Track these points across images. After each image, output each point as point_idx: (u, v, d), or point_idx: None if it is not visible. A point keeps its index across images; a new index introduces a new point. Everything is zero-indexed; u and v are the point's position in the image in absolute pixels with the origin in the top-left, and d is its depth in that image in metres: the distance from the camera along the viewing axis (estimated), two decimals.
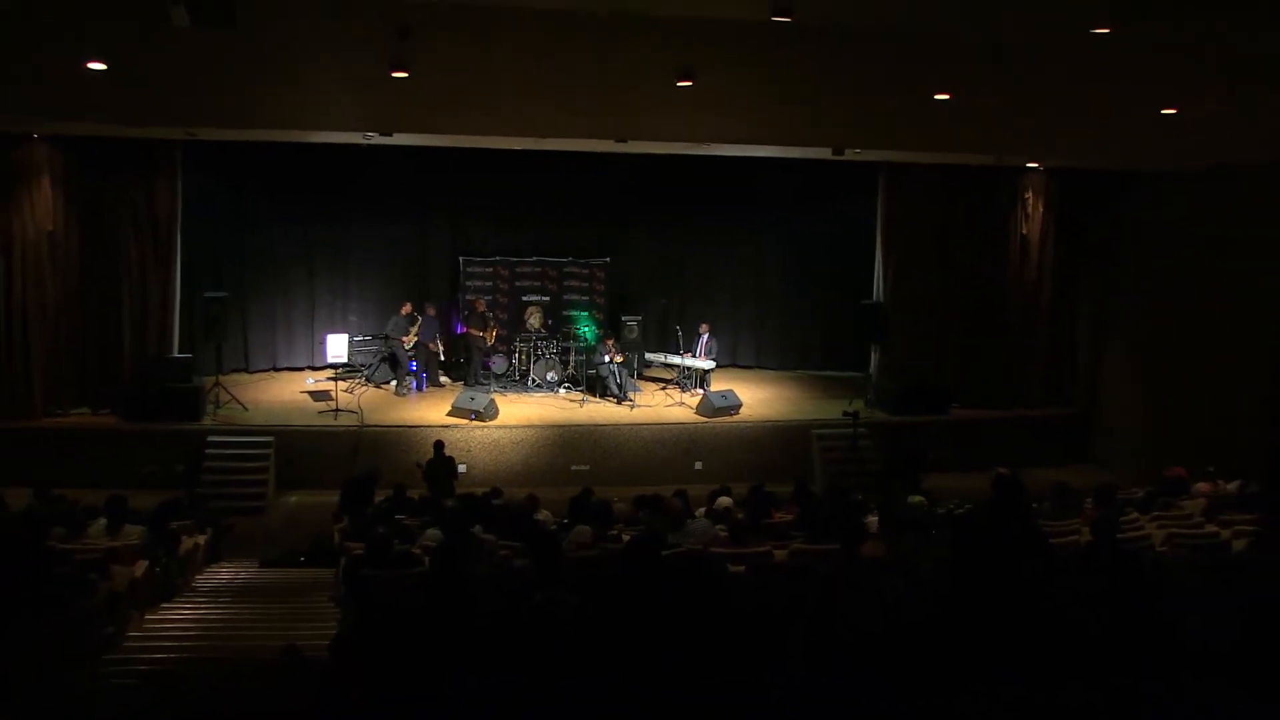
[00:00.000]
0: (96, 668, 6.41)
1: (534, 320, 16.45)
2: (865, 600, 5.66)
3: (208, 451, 13.87)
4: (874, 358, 16.78)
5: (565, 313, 17.08)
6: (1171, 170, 14.98)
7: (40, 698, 5.28)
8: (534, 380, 16.10)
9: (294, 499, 14.04)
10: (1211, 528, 8.86)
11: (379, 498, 10.85)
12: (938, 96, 11.43)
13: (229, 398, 14.85)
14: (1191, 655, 4.18)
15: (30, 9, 8.56)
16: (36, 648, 5.47)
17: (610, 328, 16.68)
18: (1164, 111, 11.36)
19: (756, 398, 16.32)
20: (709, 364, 16.09)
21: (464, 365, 16.42)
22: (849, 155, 14.13)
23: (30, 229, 14.21)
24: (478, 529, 8.72)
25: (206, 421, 14.41)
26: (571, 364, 16.36)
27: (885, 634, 4.39)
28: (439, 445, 12.67)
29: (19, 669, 5.14)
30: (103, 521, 8.87)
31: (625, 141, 13.33)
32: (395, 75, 10.17)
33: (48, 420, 14.41)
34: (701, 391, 15.76)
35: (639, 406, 15.54)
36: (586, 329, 16.69)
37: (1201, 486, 10.39)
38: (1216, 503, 9.56)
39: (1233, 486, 10.19)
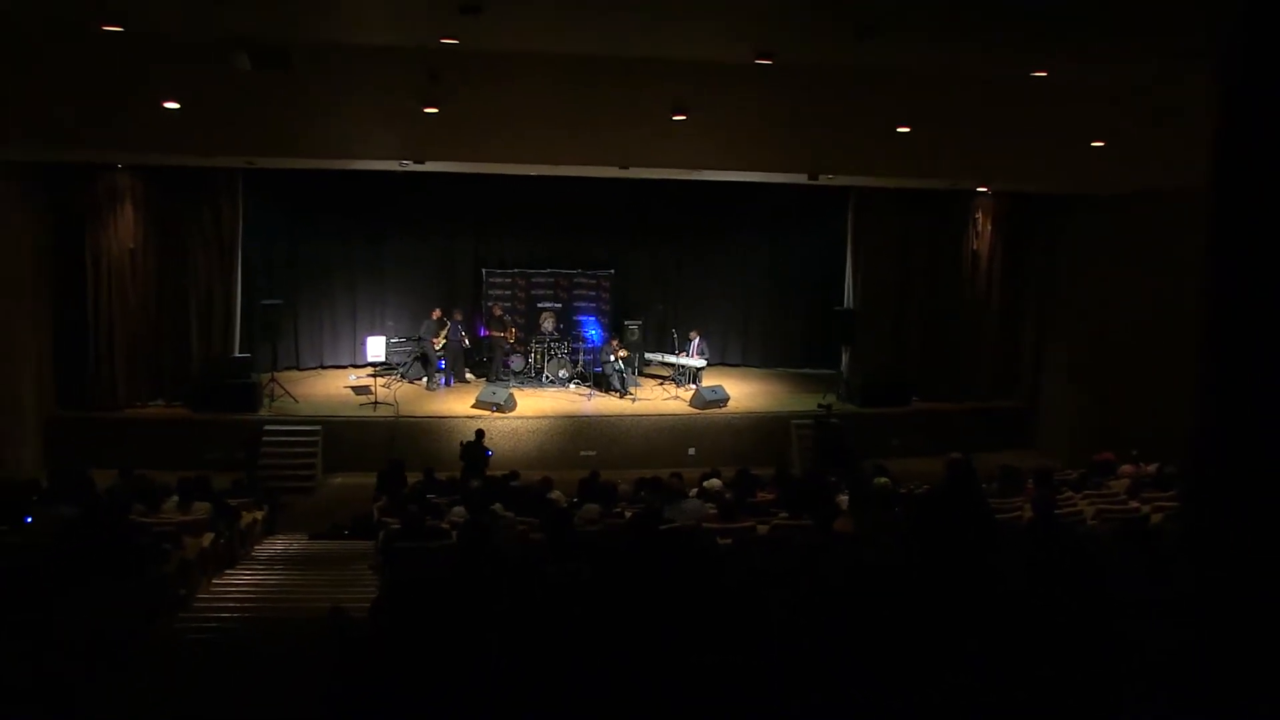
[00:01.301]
0: (171, 624, 6.46)
1: (547, 324, 16.47)
2: (836, 566, 5.70)
3: (264, 438, 13.94)
4: (845, 357, 16.78)
5: (575, 318, 17.09)
6: (1099, 194, 15.03)
7: (126, 648, 5.33)
8: (547, 377, 16.12)
9: (339, 480, 14.07)
10: (1134, 504, 8.87)
11: (411, 479, 10.89)
12: (900, 129, 11.46)
13: (283, 392, 14.89)
14: (1116, 608, 4.23)
15: (116, 56, 8.62)
16: (121, 606, 5.52)
17: (614, 331, 16.70)
18: (1093, 144, 11.39)
19: (743, 392, 16.34)
20: (701, 362, 16.10)
21: (487, 364, 16.44)
22: (823, 180, 14.12)
23: (115, 247, 14.34)
24: (498, 507, 8.73)
25: (263, 412, 14.45)
26: (580, 363, 16.37)
27: (853, 594, 4.42)
28: (480, 434, 12.69)
29: (108, 624, 5.19)
30: (175, 498, 8.92)
31: (627, 167, 13.35)
32: (427, 111, 10.21)
33: (129, 411, 14.50)
34: (694, 387, 15.77)
35: (639, 400, 15.55)
36: (593, 332, 16.72)
37: (1126, 468, 10.41)
38: (1138, 483, 9.57)
39: (1152, 468, 10.20)
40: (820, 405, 15.16)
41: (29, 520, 7.27)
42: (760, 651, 3.76)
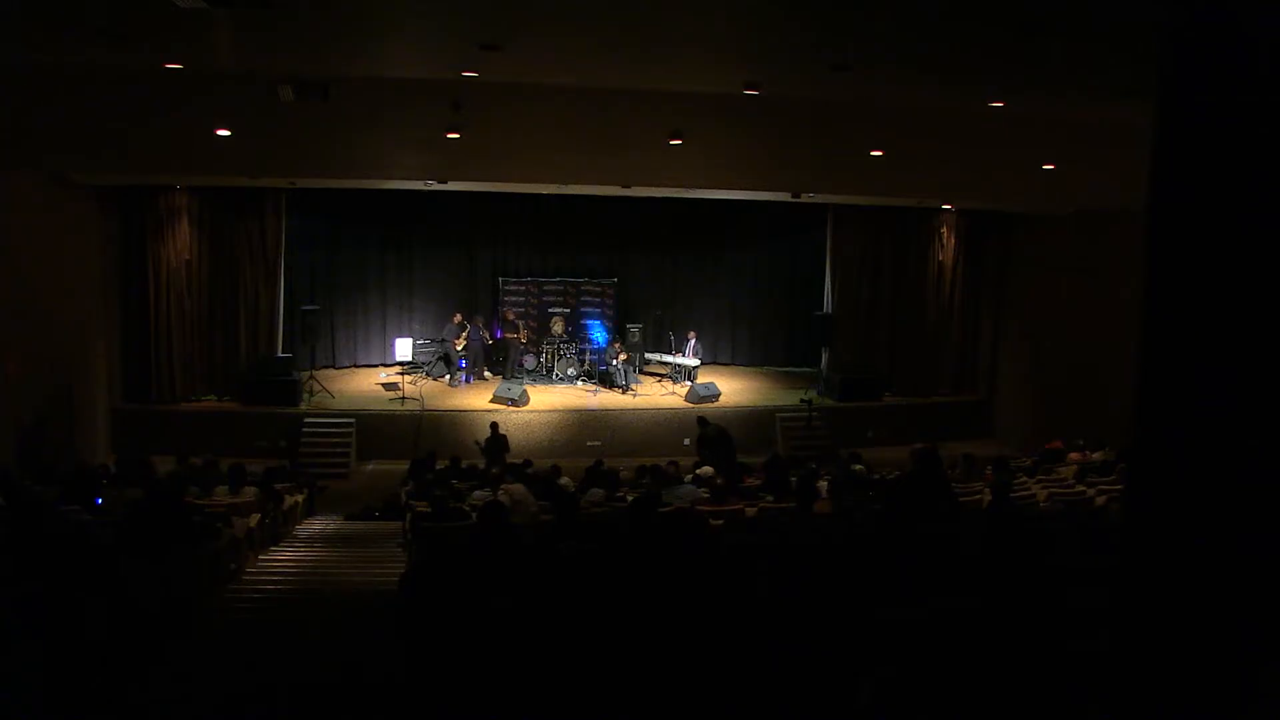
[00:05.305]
0: (223, 594, 6.49)
1: (557, 328, 16.46)
2: (816, 543, 5.71)
3: (304, 429, 13.95)
4: (824, 356, 16.79)
5: (582, 321, 17.10)
6: (1047, 212, 15.08)
7: (187, 614, 5.36)
8: (557, 375, 16.11)
9: (370, 467, 14.08)
10: (1080, 488, 8.88)
11: (440, 467, 10.89)
12: (873, 153, 11.45)
13: (320, 388, 14.91)
14: (1063, 575, 4.25)
15: (176, 92, 8.67)
16: (180, 578, 5.54)
17: (617, 333, 16.70)
18: (1044, 167, 11.39)
19: (732, 388, 16.35)
20: (695, 362, 16.10)
21: (503, 363, 16.44)
22: (805, 198, 14.14)
23: (173, 258, 14.42)
24: (520, 487, 8.70)
25: (303, 406, 14.47)
26: (586, 362, 16.38)
27: (829, 566, 4.43)
28: (495, 425, 12.69)
29: (170, 592, 5.22)
30: (226, 487, 8.92)
31: (629, 187, 13.36)
32: (449, 136, 10.20)
33: (185, 405, 14.54)
34: (689, 383, 15.78)
35: (640, 395, 15.55)
36: (598, 334, 16.72)
37: (1073, 456, 10.43)
38: (1085, 468, 9.59)
39: (1097, 456, 10.23)
40: (802, 400, 15.17)
41: (99, 501, 7.31)
42: (747, 614, 3.78)
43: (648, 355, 16.95)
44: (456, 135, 10.17)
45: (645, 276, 17.97)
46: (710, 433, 12.18)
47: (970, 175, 12.35)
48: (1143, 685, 1.84)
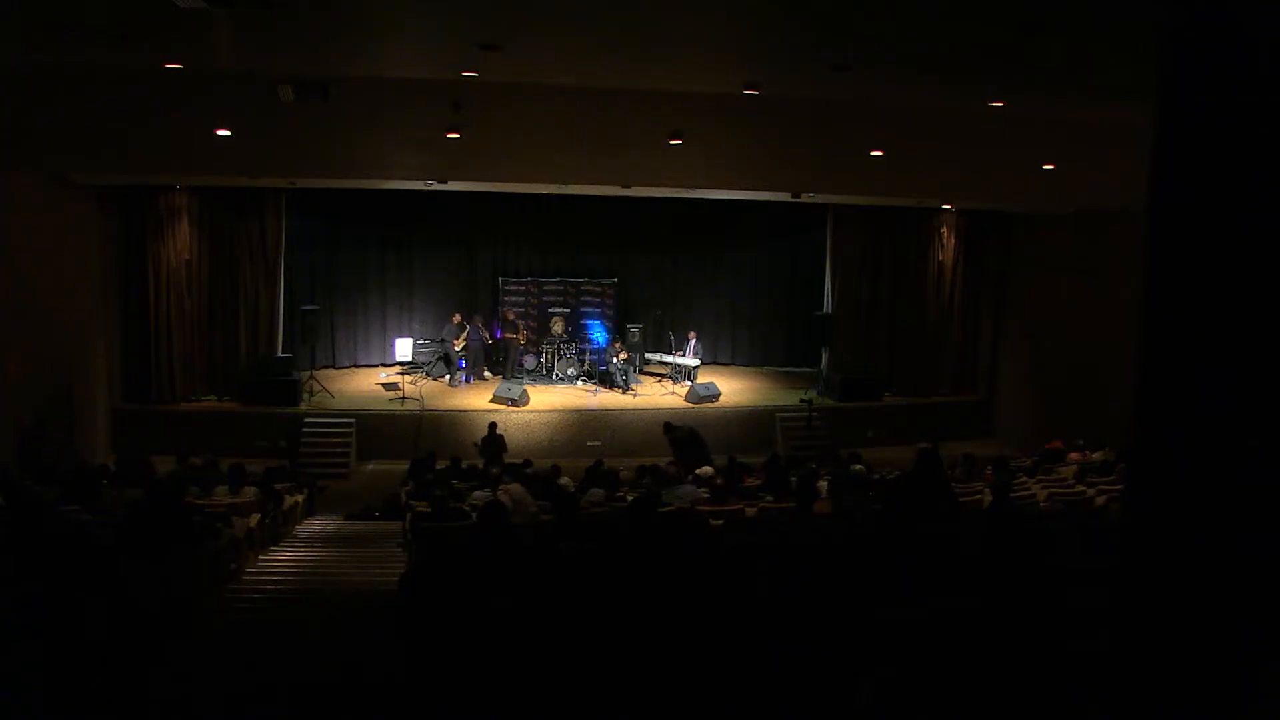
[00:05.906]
0: (223, 594, 6.49)
1: (557, 328, 16.45)
2: (816, 543, 5.71)
3: (304, 429, 13.95)
4: (824, 356, 16.78)
5: (582, 321, 17.10)
6: (1047, 212, 15.09)
7: (187, 614, 5.36)
8: (557, 375, 16.11)
9: (370, 467, 14.08)
10: (1080, 488, 8.88)
11: (440, 467, 10.89)
12: (873, 153, 11.45)
13: (320, 388, 14.91)
14: (1063, 575, 4.25)
15: (176, 92, 8.68)
16: (180, 578, 5.54)
17: (617, 333, 16.70)
18: (1044, 166, 11.39)
19: (732, 388, 16.34)
20: (695, 362, 16.10)
21: (503, 363, 16.44)
22: (805, 198, 14.13)
23: (173, 258, 14.42)
24: (517, 487, 8.71)
25: (303, 406, 14.47)
26: (587, 362, 16.37)
27: (829, 566, 4.44)
28: (493, 426, 12.68)
29: (170, 592, 5.22)
30: (226, 487, 8.92)
31: (629, 186, 13.34)
32: (449, 136, 10.21)
33: (185, 405, 14.54)
34: (689, 383, 15.77)
35: (640, 395, 15.55)
36: (598, 334, 16.72)
37: (1073, 456, 10.43)
38: (1085, 468, 9.59)
39: (1097, 456, 10.24)
40: (802, 400, 15.17)
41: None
42: (747, 614, 3.78)
43: (648, 355, 16.94)
44: (456, 135, 10.16)
45: (645, 276, 17.95)
46: (680, 435, 12.03)
47: (970, 175, 12.34)
48: (1143, 685, 1.84)
